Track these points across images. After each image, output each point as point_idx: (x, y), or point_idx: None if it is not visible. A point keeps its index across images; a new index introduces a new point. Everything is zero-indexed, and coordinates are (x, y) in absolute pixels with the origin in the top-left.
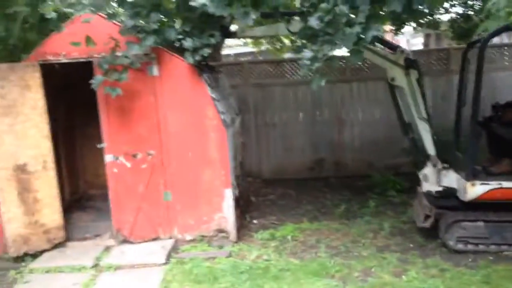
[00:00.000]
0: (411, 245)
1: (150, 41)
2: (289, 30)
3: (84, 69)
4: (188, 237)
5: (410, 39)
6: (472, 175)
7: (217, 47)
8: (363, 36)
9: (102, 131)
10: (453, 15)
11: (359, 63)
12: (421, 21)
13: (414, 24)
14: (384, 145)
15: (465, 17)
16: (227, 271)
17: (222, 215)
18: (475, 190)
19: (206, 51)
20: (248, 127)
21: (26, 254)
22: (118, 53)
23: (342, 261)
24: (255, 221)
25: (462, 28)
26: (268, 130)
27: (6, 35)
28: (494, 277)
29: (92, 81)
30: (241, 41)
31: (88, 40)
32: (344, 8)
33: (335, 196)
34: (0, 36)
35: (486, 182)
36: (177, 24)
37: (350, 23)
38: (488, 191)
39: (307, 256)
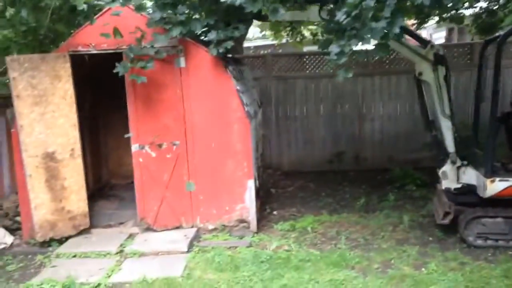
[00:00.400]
0: (431, 239)
1: (176, 32)
2: (321, 17)
3: (110, 60)
4: (210, 227)
5: (432, 33)
6: (491, 172)
7: (240, 39)
8: (387, 31)
9: (129, 121)
10: (477, 10)
11: (384, 57)
12: (445, 15)
13: (437, 18)
14: (404, 139)
15: (489, 11)
16: (248, 260)
17: (243, 206)
18: (494, 186)
19: (230, 44)
20: (269, 120)
21: (52, 240)
22: (145, 44)
23: (361, 253)
24: (275, 212)
25: (486, 22)
26: (289, 123)
27: (36, 26)
28: None
29: (117, 68)
30: (261, 33)
31: (116, 31)
32: (370, 3)
33: (354, 189)
34: (30, 27)
35: (505, 179)
36: (203, 17)
37: (376, 18)
38: (507, 188)
39: (327, 247)
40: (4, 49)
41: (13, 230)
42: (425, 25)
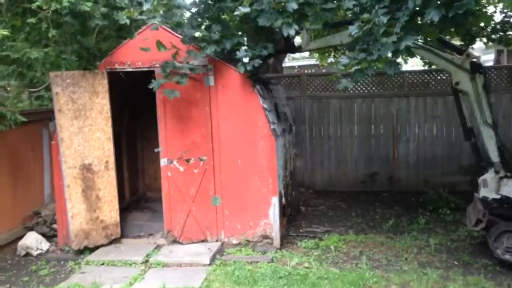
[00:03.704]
0: (456, 263)
1: (211, 50)
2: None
3: (149, 76)
4: (234, 241)
5: (481, 55)
6: None
7: (279, 59)
8: (397, 47)
9: (159, 136)
10: None
11: (420, 78)
12: (493, 36)
13: (484, 40)
14: (440, 162)
15: None
16: (267, 276)
17: (267, 222)
18: None
19: (258, 62)
20: (303, 139)
21: (85, 248)
22: (180, 62)
23: (381, 274)
24: (301, 230)
25: None
26: (323, 142)
27: (85, 46)
28: None
29: (152, 84)
30: (306, 53)
31: (159, 44)
32: (383, 19)
33: (385, 210)
34: (78, 47)
35: None
36: (236, 36)
37: (387, 33)
38: None
39: (347, 266)
40: (57, 67)
41: (49, 237)
42: (473, 46)
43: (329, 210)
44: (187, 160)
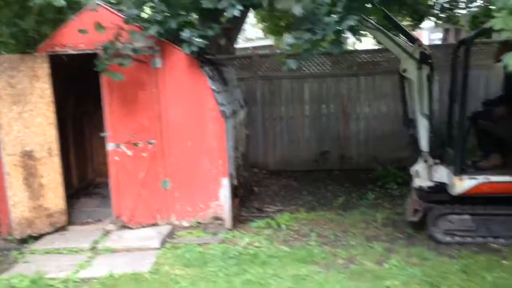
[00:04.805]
0: (400, 236)
1: (154, 30)
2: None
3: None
4: (185, 224)
5: (430, 33)
6: (460, 170)
7: (231, 40)
8: (340, 27)
9: (105, 121)
10: (473, 10)
11: (367, 57)
12: (441, 15)
13: (433, 19)
14: (388, 139)
15: (485, 12)
16: (217, 256)
17: (218, 203)
18: (463, 184)
19: (203, 43)
20: (255, 120)
21: (29, 236)
22: (122, 43)
23: (330, 249)
24: (253, 210)
25: (482, 22)
26: (275, 123)
27: (24, 28)
28: (473, 267)
29: (97, 66)
30: (261, 33)
31: (98, 26)
32: None
33: (336, 188)
34: (17, 30)
35: (474, 177)
36: (182, 16)
37: (330, 13)
38: (475, 186)
39: (297, 244)
40: None
41: None
42: (422, 25)
43: (282, 189)
44: (135, 144)
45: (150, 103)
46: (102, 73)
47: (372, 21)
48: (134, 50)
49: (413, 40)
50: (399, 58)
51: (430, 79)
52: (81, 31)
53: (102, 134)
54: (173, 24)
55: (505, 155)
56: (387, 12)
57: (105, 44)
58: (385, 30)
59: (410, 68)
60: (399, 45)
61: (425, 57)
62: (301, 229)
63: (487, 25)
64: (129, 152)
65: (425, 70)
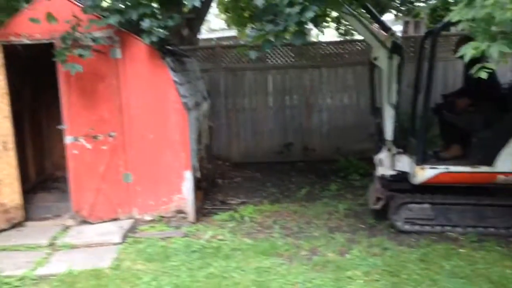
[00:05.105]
0: (362, 226)
1: (114, 20)
2: None
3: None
4: (148, 218)
5: (391, 26)
6: (421, 160)
7: (194, 30)
8: (301, 18)
9: (62, 113)
10: (433, 3)
11: (330, 49)
12: (402, 8)
13: (394, 12)
14: (351, 131)
15: (444, 5)
16: (180, 250)
17: (181, 197)
18: (424, 173)
19: (163, 33)
20: (218, 111)
21: None
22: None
23: (293, 241)
24: (217, 203)
25: (441, 16)
26: (238, 114)
27: None
28: (432, 255)
29: (55, 57)
30: (225, 24)
31: (49, 16)
32: None
33: (300, 179)
34: None
35: (434, 167)
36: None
37: (291, 4)
38: (436, 175)
39: (261, 236)
40: None
41: None
42: (383, 18)
43: (245, 181)
44: (95, 137)
45: (110, 95)
46: (61, 65)
47: (348, 7)
48: (93, 40)
49: (387, 29)
50: (371, 46)
51: (400, 69)
52: (33, 20)
53: (59, 127)
54: (133, 15)
55: (466, 146)
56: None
57: (62, 34)
58: (360, 17)
59: (381, 57)
60: (372, 33)
61: (396, 47)
62: (265, 221)
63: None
64: (88, 145)
65: (396, 60)
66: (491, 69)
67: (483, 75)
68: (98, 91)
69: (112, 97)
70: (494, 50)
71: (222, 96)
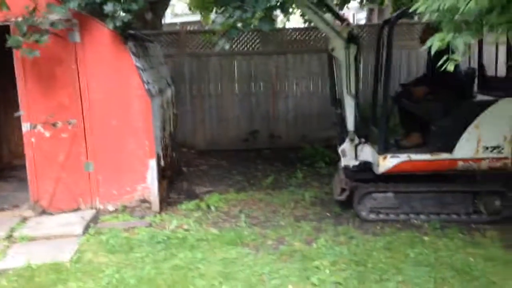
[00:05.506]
0: (328, 214)
1: (74, 4)
2: None
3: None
4: (111, 208)
5: (356, 13)
6: (383, 149)
7: (158, 14)
8: (270, 4)
9: (19, 99)
10: None
11: (296, 35)
12: None
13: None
14: (317, 118)
15: None
16: (144, 241)
17: (145, 186)
18: (386, 163)
19: (127, 17)
20: (183, 98)
21: None
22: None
23: (259, 231)
24: (182, 192)
25: (405, 4)
26: (204, 101)
27: None
28: (396, 243)
29: (9, 41)
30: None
31: (2, 3)
32: None
33: (266, 167)
34: None
35: (396, 155)
36: None
37: None
38: (398, 164)
39: (227, 226)
40: None
41: None
42: (348, 5)
43: (211, 169)
44: (54, 124)
45: (69, 80)
46: (16, 50)
47: None
48: (52, 24)
49: (342, 20)
50: (328, 36)
51: (357, 59)
52: None
53: (16, 114)
54: None
55: (425, 134)
56: None
57: (17, 20)
58: (315, 8)
59: (338, 47)
60: (328, 24)
61: (352, 37)
62: (231, 210)
63: (411, 7)
64: (47, 133)
65: (353, 49)
66: (458, 60)
67: (451, 67)
68: (57, 76)
69: (71, 83)
70: (459, 41)
71: (186, 83)
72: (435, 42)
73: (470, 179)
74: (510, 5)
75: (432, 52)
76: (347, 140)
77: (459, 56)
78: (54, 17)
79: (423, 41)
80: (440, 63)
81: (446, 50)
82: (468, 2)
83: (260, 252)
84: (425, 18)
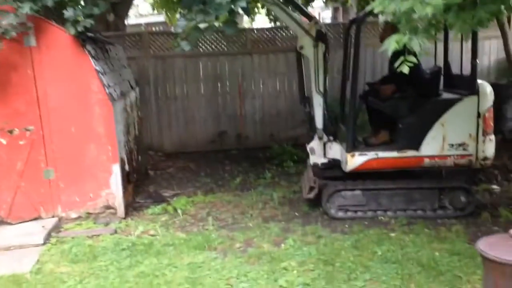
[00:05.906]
0: (296, 214)
1: (26, 8)
2: None
3: None
4: (73, 215)
5: (321, 12)
6: (351, 147)
7: (121, 16)
8: (232, 8)
9: None
10: None
11: (261, 35)
12: None
13: None
14: (284, 117)
15: None
16: (108, 249)
17: (109, 191)
18: (354, 160)
19: (89, 22)
20: (148, 100)
21: None
22: None
23: (227, 233)
24: (149, 196)
25: (368, 3)
26: (169, 103)
27: None
28: (364, 241)
29: None
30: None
31: None
32: None
33: (234, 168)
34: None
35: (364, 153)
36: None
37: None
38: (366, 161)
39: (194, 229)
40: None
41: None
42: (313, 3)
43: (179, 172)
44: (10, 131)
45: (25, 86)
46: None
47: None
48: (4, 32)
49: (310, 17)
50: (296, 35)
51: (325, 57)
52: None
53: None
54: (49, 2)
55: (393, 132)
56: None
57: None
58: (283, 6)
59: (307, 45)
60: (296, 22)
61: (321, 35)
62: (198, 213)
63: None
64: (3, 141)
65: (321, 47)
66: (414, 62)
67: (405, 69)
68: (12, 81)
69: (28, 88)
70: (415, 43)
71: (151, 85)
72: (391, 44)
73: (436, 176)
74: (465, 4)
75: (389, 54)
76: (315, 138)
77: (416, 59)
78: (7, 22)
79: (382, 40)
80: (396, 64)
81: (404, 51)
82: (424, 7)
83: (228, 256)
84: (382, 19)
